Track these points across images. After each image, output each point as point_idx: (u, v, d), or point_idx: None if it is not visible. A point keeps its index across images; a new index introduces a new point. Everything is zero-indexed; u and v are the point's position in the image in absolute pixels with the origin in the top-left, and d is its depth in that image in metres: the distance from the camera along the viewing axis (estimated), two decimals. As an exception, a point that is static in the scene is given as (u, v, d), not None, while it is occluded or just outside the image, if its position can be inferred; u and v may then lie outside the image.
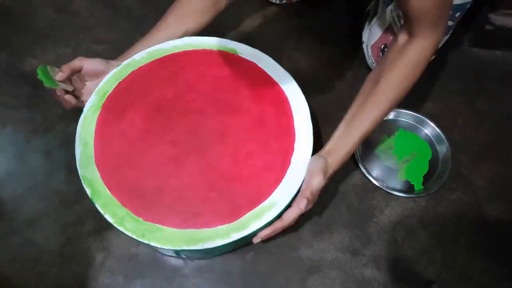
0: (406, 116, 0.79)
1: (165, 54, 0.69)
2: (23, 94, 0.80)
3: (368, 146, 0.76)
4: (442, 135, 0.75)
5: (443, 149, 0.75)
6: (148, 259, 0.65)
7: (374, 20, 0.77)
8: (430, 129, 0.77)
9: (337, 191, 0.72)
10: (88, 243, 0.66)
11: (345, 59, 0.87)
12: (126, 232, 0.54)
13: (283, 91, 0.67)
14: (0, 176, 0.72)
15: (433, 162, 0.74)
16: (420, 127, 0.78)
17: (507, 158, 0.76)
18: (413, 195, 0.71)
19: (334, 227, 0.68)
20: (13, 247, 0.65)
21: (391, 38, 0.72)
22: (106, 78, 0.66)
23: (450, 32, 0.74)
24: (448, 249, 0.67)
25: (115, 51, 0.87)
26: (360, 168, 0.72)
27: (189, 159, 0.60)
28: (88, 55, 0.85)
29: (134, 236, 0.54)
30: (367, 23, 0.77)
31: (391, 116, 0.79)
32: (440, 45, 0.76)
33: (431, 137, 0.77)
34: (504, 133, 0.79)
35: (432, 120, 0.77)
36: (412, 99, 0.81)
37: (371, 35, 0.77)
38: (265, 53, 0.70)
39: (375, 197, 0.71)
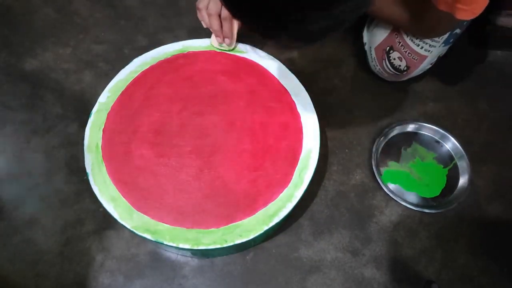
0: (427, 129, 0.77)
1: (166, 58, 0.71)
2: (23, 94, 0.80)
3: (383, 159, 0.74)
4: (463, 151, 0.74)
5: (464, 173, 0.73)
6: (148, 259, 0.65)
7: (376, 21, 0.76)
8: (450, 144, 0.76)
9: (337, 191, 0.72)
10: (88, 243, 0.66)
11: (345, 59, 0.87)
12: (130, 228, 0.55)
13: (287, 90, 0.68)
14: (0, 176, 0.72)
15: (451, 181, 0.72)
16: (441, 141, 0.76)
17: (507, 158, 0.76)
18: (424, 210, 0.69)
19: (334, 227, 0.68)
20: (13, 247, 0.65)
21: (396, 39, 0.71)
22: (113, 82, 0.69)
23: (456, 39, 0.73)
24: (448, 249, 0.67)
25: (115, 51, 0.87)
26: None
27: (192, 161, 0.61)
28: (88, 55, 0.86)
29: (136, 231, 0.55)
30: (366, 24, 0.76)
31: (409, 128, 0.77)
32: (442, 54, 0.75)
33: (452, 152, 0.75)
34: (504, 133, 0.79)
35: (452, 134, 0.75)
36: (412, 99, 0.82)
37: (374, 36, 0.76)
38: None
39: (375, 197, 0.71)
